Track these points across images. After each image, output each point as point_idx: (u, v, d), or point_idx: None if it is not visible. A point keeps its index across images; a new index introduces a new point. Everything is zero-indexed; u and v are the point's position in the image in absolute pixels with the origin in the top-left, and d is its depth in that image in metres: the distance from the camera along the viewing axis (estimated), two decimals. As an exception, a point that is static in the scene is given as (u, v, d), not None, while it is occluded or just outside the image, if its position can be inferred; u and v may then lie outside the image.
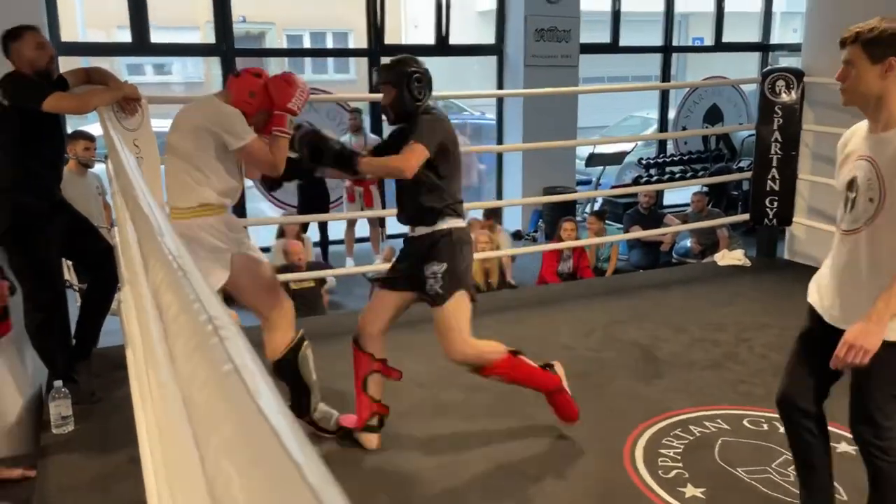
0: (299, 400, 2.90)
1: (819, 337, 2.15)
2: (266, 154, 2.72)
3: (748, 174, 5.72)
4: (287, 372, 2.85)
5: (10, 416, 3.15)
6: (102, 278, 3.36)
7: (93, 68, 3.46)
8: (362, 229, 7.44)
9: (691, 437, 3.01)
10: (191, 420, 0.58)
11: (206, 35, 9.02)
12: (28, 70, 3.07)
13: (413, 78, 2.74)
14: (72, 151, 4.71)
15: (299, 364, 2.86)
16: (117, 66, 9.36)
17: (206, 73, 12.13)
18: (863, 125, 2.11)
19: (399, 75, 2.75)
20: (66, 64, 4.47)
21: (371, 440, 2.92)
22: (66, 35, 6.60)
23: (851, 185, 2.06)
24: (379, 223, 7.38)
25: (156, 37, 6.73)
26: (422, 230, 2.79)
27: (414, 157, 2.64)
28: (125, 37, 6.73)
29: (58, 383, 3.08)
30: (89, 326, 3.41)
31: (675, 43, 9.47)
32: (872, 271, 2.01)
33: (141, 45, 6.62)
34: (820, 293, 2.20)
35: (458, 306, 2.74)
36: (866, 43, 2.00)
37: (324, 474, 0.43)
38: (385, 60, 2.93)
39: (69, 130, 5.19)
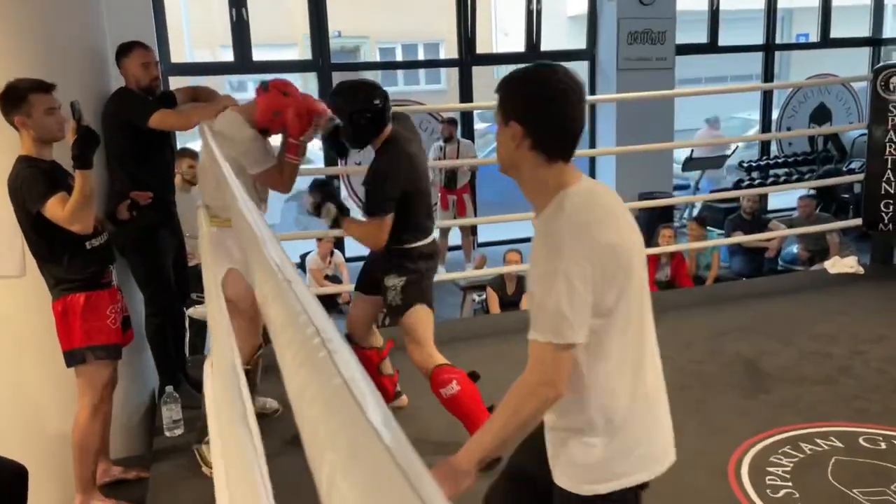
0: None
1: None
2: (275, 180, 2.94)
3: (860, 176, 5.41)
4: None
5: (127, 419, 3.33)
6: (179, 294, 3.54)
7: (199, 87, 3.63)
8: (454, 237, 7.49)
9: (802, 455, 2.86)
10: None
11: (304, 51, 9.33)
12: (133, 86, 3.26)
13: (353, 118, 2.76)
14: (178, 168, 4.94)
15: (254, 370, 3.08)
16: (220, 84, 9.79)
17: (302, 87, 12.52)
18: None
19: (342, 112, 2.80)
20: (176, 84, 4.72)
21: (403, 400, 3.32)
22: (176, 56, 6.97)
23: None
24: (471, 231, 7.41)
25: (257, 54, 7.00)
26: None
27: (382, 232, 2.77)
28: (228, 55, 7.04)
29: (169, 388, 3.24)
30: (173, 339, 3.57)
31: (777, 40, 9.07)
32: None
33: (243, 63, 6.91)
34: None
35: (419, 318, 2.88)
36: (500, 99, 1.47)
37: (436, 491, 0.43)
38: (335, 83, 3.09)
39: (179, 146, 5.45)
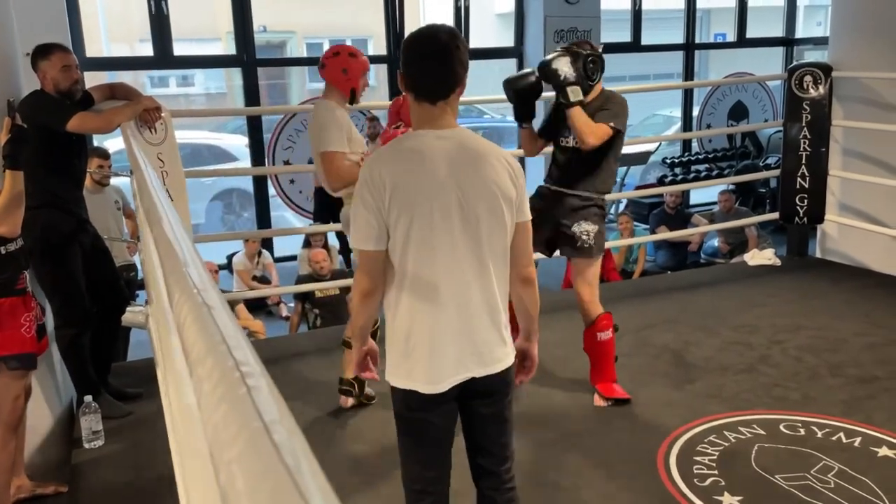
0: None
1: None
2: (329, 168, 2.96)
3: (776, 171, 5.63)
4: None
5: (42, 431, 3.17)
6: (113, 299, 3.36)
7: (116, 84, 3.47)
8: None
9: (727, 444, 2.95)
10: (219, 482, 0.55)
11: (228, 46, 9.10)
12: (50, 89, 3.08)
13: (588, 60, 3.09)
14: (87, 168, 4.73)
15: None
16: (141, 80, 9.44)
17: (227, 84, 12.20)
18: None
19: (579, 56, 3.11)
20: (92, 79, 4.52)
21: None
22: (91, 50, 6.68)
23: None
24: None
25: (178, 49, 6.78)
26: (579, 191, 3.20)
27: (603, 134, 3.05)
28: (148, 50, 6.79)
29: (88, 398, 3.09)
30: (104, 346, 3.42)
31: (697, 40, 9.35)
32: None
33: (163, 58, 6.68)
34: None
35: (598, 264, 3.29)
36: None
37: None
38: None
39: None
